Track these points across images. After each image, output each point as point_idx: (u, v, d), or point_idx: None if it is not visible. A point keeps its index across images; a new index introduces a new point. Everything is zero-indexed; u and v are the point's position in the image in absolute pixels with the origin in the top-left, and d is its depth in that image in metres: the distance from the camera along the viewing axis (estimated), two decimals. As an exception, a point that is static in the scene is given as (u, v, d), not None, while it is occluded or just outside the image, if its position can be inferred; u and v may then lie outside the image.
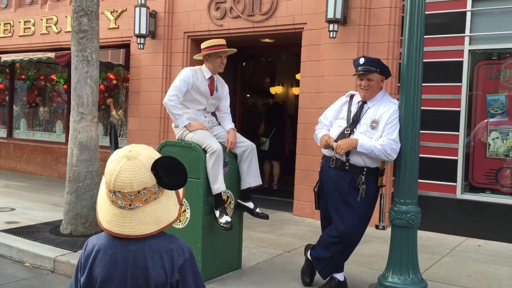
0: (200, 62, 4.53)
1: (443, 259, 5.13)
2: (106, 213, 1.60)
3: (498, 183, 6.09)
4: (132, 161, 1.56)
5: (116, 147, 1.73)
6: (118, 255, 1.59)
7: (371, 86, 3.81)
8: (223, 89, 4.50)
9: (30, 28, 10.46)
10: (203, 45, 4.33)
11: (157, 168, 1.55)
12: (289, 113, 12.01)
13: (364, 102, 3.87)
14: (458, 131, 6.19)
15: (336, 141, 3.80)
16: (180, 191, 1.68)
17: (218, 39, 4.48)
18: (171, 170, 1.56)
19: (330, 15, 6.42)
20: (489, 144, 6.13)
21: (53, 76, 10.98)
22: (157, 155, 1.60)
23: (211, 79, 4.36)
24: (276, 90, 12.83)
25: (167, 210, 1.60)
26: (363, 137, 3.72)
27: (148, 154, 1.60)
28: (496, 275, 4.69)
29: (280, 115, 10.24)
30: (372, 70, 3.79)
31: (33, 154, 10.87)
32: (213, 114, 4.60)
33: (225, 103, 4.55)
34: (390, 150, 3.66)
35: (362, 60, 3.85)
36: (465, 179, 6.23)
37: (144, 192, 1.55)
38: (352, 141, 3.71)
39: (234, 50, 4.41)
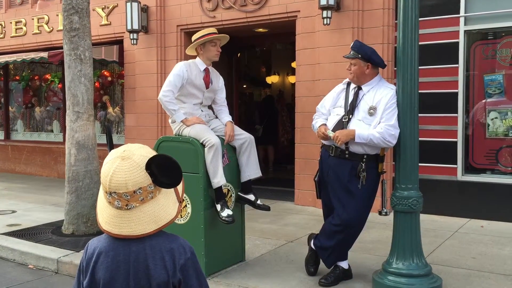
0: (193, 57, 4.48)
1: (446, 242, 5.13)
2: (104, 214, 1.59)
3: (499, 163, 6.07)
4: (126, 161, 1.54)
5: (112, 147, 1.71)
6: (119, 257, 1.58)
7: (353, 71, 3.82)
8: (218, 81, 4.46)
9: (21, 28, 10.37)
10: (195, 36, 4.28)
11: (152, 167, 1.54)
12: (286, 102, 12.02)
13: (359, 88, 3.84)
14: (456, 112, 6.16)
15: (334, 130, 3.78)
16: (179, 188, 1.66)
17: (209, 28, 4.43)
18: (166, 169, 1.54)
19: (323, 2, 6.35)
20: (488, 125, 6.11)
21: (48, 76, 10.91)
22: (152, 154, 1.58)
23: (206, 71, 4.32)
24: (272, 79, 12.78)
25: (166, 208, 1.59)
26: (361, 127, 3.69)
27: (142, 153, 1.58)
28: (500, 255, 4.69)
29: (271, 106, 11.36)
30: (353, 56, 3.79)
31: (32, 155, 10.84)
32: (210, 107, 4.56)
33: (221, 95, 4.51)
34: (389, 137, 3.63)
35: (352, 44, 3.89)
36: (465, 160, 6.22)
37: (140, 192, 1.54)
38: (349, 132, 3.69)
39: (227, 36, 4.35)
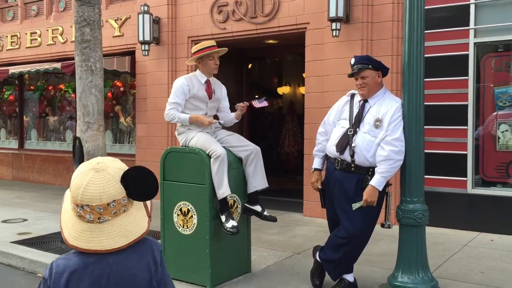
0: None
1: (455, 256, 5.08)
2: (72, 229, 1.54)
3: (509, 176, 6.00)
4: (101, 173, 1.52)
5: (81, 160, 1.70)
6: (96, 272, 1.53)
7: (366, 83, 3.78)
8: (221, 90, 4.50)
9: (36, 39, 10.56)
10: (193, 49, 4.33)
11: (127, 179, 1.52)
12: (297, 112, 12.04)
13: (365, 101, 3.84)
14: (466, 125, 6.12)
15: (339, 143, 3.77)
16: (148, 204, 1.65)
17: (208, 41, 4.46)
18: (142, 181, 1.52)
19: (333, 14, 6.39)
20: (499, 137, 6.05)
21: (62, 86, 11.08)
22: (125, 167, 1.57)
23: (208, 82, 4.36)
24: (283, 90, 12.81)
25: (137, 222, 1.57)
26: (374, 178, 3.63)
27: (116, 165, 1.57)
28: (509, 270, 4.62)
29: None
30: (363, 68, 3.78)
31: (45, 164, 10.98)
32: (215, 117, 4.57)
33: (225, 103, 4.54)
34: (396, 155, 3.61)
35: (353, 60, 3.86)
36: (475, 173, 6.16)
37: (113, 205, 1.52)
38: (372, 189, 3.62)
39: (225, 49, 4.38)
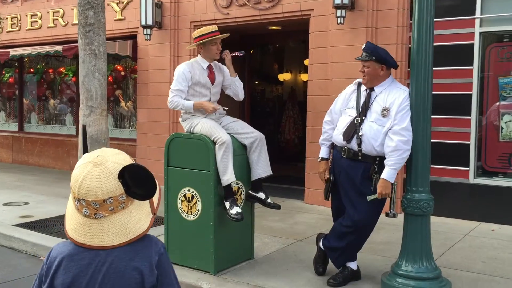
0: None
1: (457, 245, 5.10)
2: (71, 220, 1.51)
3: (511, 166, 6.01)
4: (99, 168, 1.46)
5: (85, 150, 1.67)
6: (84, 261, 1.49)
7: (367, 73, 3.78)
8: (223, 72, 4.47)
9: (37, 21, 10.46)
10: (194, 35, 4.29)
11: (126, 176, 1.45)
12: (298, 99, 12.01)
13: (371, 90, 3.81)
14: (470, 115, 6.11)
15: (346, 131, 3.77)
16: (155, 200, 1.57)
17: (210, 26, 4.42)
18: (140, 179, 1.45)
19: (337, 1, 6.33)
20: (502, 128, 6.05)
21: (62, 69, 11.01)
22: (128, 162, 1.50)
23: (210, 67, 4.34)
24: (284, 77, 12.75)
25: (137, 220, 1.50)
26: (385, 171, 3.63)
27: (117, 160, 1.49)
28: (510, 260, 4.65)
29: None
30: (366, 58, 3.76)
31: (45, 147, 10.95)
32: (219, 102, 4.53)
33: (229, 81, 4.50)
34: (404, 145, 3.59)
35: (363, 46, 3.85)
36: (477, 163, 6.17)
37: (110, 201, 1.45)
38: (385, 182, 3.62)
39: (227, 34, 4.35)
